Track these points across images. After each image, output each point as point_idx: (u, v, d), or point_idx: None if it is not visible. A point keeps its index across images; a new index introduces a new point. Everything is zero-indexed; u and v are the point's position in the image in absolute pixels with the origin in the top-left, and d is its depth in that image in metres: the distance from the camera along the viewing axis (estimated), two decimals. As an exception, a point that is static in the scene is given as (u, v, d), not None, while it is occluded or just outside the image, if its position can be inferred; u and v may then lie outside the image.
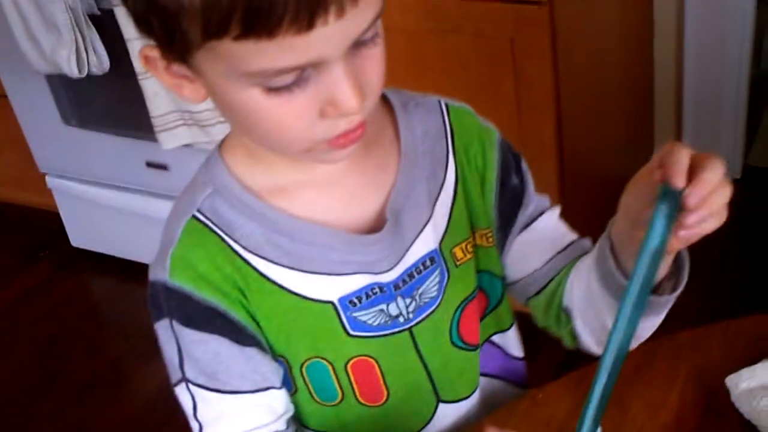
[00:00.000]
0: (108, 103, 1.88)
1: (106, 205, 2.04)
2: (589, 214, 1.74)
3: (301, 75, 0.56)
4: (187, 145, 1.73)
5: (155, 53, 0.59)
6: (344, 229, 0.69)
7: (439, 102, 0.75)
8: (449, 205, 0.73)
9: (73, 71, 1.72)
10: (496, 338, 0.82)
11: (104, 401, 1.82)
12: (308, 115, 0.57)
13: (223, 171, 0.68)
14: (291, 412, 0.73)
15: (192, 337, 0.67)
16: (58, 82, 1.88)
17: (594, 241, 0.78)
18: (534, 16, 1.42)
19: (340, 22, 0.53)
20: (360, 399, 0.74)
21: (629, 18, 1.88)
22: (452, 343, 0.76)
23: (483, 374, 0.81)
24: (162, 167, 1.88)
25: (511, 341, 0.83)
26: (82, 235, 2.19)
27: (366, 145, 0.68)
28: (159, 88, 1.67)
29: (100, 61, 1.73)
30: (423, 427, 0.78)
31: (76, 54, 1.70)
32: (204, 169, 0.70)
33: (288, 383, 0.73)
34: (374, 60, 0.58)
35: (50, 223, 2.23)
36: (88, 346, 1.99)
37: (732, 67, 1.89)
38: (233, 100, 0.58)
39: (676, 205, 0.55)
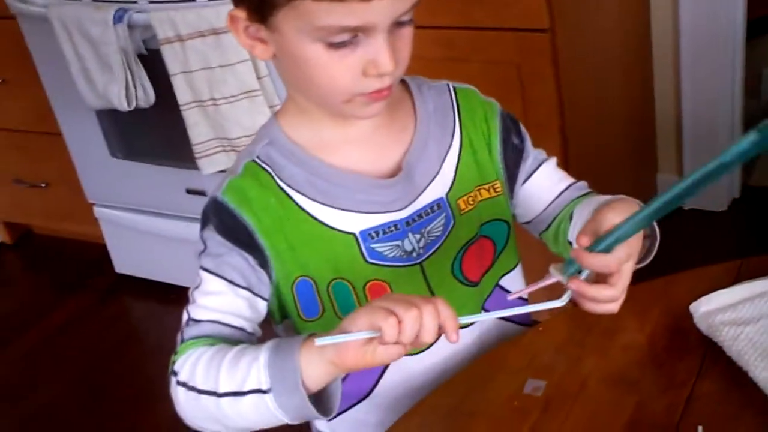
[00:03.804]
0: (150, 135, 2.05)
1: (149, 231, 2.19)
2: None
3: (355, 37, 0.75)
4: (224, 171, 1.88)
5: (242, 14, 0.79)
6: (371, 176, 0.87)
7: (448, 85, 0.95)
8: (455, 164, 0.91)
9: (123, 105, 1.90)
10: (504, 282, 0.97)
11: (143, 415, 1.93)
12: (354, 71, 0.77)
13: (276, 129, 0.88)
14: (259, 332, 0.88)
15: (217, 239, 0.84)
16: (106, 118, 2.06)
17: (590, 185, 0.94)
18: (537, 42, 1.58)
19: None
20: None
21: (629, 45, 2.01)
22: (454, 276, 0.92)
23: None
24: (201, 193, 2.03)
25: (517, 282, 0.98)
26: (125, 261, 2.34)
27: (390, 112, 0.87)
28: (199, 118, 1.84)
29: (146, 96, 1.91)
30: (426, 349, 0.91)
31: (126, 89, 1.89)
32: (263, 129, 0.90)
33: (315, 305, 0.88)
34: (406, 40, 0.79)
35: (96, 252, 2.40)
36: (129, 364, 2.12)
37: (726, 95, 2.02)
38: (299, 53, 0.77)
39: (764, 143, 0.56)
